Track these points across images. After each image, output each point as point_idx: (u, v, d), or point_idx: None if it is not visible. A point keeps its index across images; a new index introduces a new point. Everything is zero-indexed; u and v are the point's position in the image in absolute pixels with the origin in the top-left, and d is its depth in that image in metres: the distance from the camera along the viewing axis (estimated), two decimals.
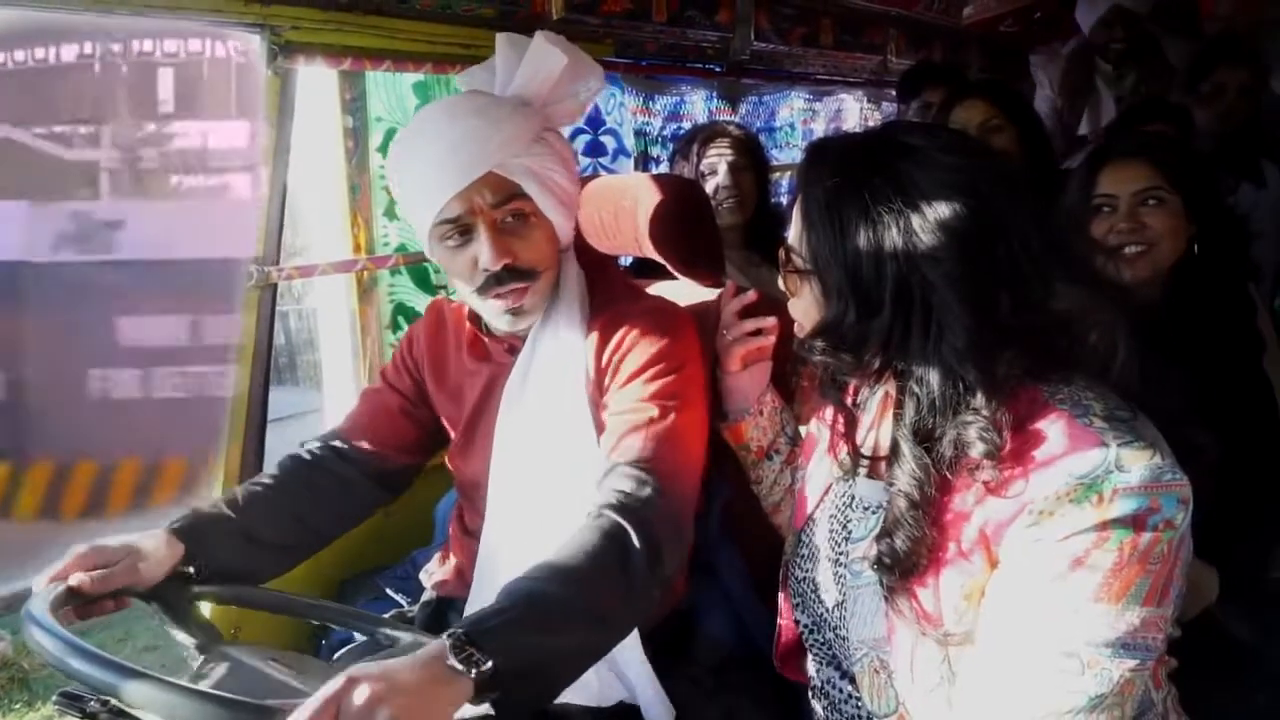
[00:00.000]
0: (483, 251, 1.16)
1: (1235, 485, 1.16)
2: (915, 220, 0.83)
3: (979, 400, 0.81)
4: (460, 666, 0.77)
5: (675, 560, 1.05)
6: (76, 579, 0.98)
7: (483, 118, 1.17)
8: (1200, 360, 1.34)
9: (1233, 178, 2.47)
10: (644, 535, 0.98)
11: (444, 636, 0.80)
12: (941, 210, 0.82)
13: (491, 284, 1.17)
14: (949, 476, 0.84)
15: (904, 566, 0.85)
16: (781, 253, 0.96)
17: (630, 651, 1.14)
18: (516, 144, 1.16)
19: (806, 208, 0.90)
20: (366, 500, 1.35)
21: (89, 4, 1.38)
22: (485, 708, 0.80)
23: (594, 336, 1.22)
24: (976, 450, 0.80)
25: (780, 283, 0.98)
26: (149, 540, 1.07)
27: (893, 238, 0.83)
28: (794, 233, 0.93)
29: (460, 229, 1.17)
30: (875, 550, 0.89)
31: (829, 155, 0.91)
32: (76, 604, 0.98)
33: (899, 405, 0.87)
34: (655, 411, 1.11)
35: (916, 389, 0.85)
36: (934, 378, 0.83)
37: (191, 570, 1.09)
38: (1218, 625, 1.22)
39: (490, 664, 0.78)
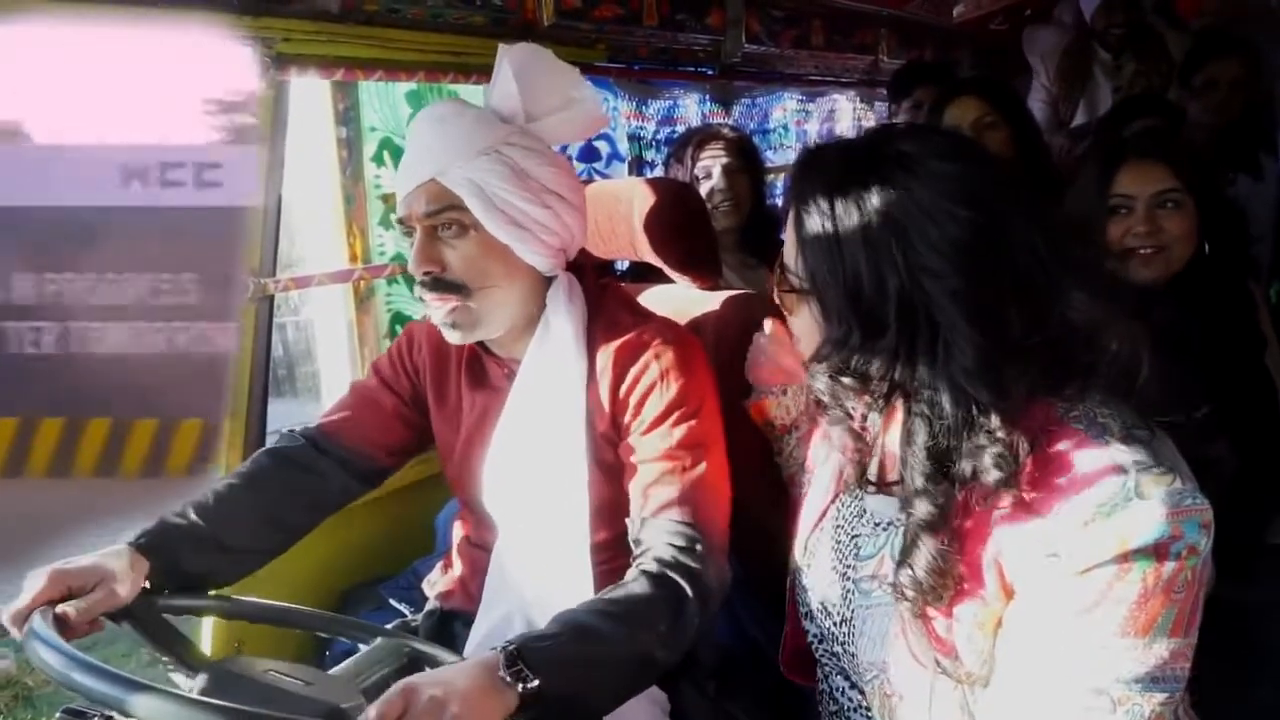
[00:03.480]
0: (411, 256, 1.17)
1: (1243, 486, 1.16)
2: (915, 236, 0.79)
3: (993, 422, 0.77)
4: (509, 680, 0.81)
5: (719, 606, 1.09)
6: (62, 611, 0.96)
7: (438, 125, 1.17)
8: (1205, 359, 1.34)
9: (1230, 171, 2.48)
10: (697, 591, 1.02)
11: (497, 649, 0.84)
12: (942, 223, 0.78)
13: (424, 288, 1.18)
14: (967, 501, 0.80)
15: (928, 597, 0.82)
16: (776, 270, 0.92)
17: None
18: (459, 154, 1.13)
19: (799, 226, 0.86)
20: (343, 496, 1.32)
21: (79, 14, 1.38)
22: None
23: (605, 366, 1.19)
24: (991, 478, 0.76)
25: (776, 299, 0.95)
26: (115, 559, 1.04)
27: (892, 255, 0.79)
28: (788, 251, 0.89)
29: (408, 230, 1.19)
30: (892, 575, 0.85)
31: (819, 168, 0.86)
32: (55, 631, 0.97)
33: (909, 428, 0.83)
34: (687, 460, 1.12)
35: (927, 411, 0.80)
36: (944, 399, 0.78)
37: (159, 586, 1.07)
38: (1220, 604, 1.21)
39: (536, 682, 0.82)
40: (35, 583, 0.99)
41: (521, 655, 0.83)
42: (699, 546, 1.06)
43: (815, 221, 0.84)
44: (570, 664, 0.87)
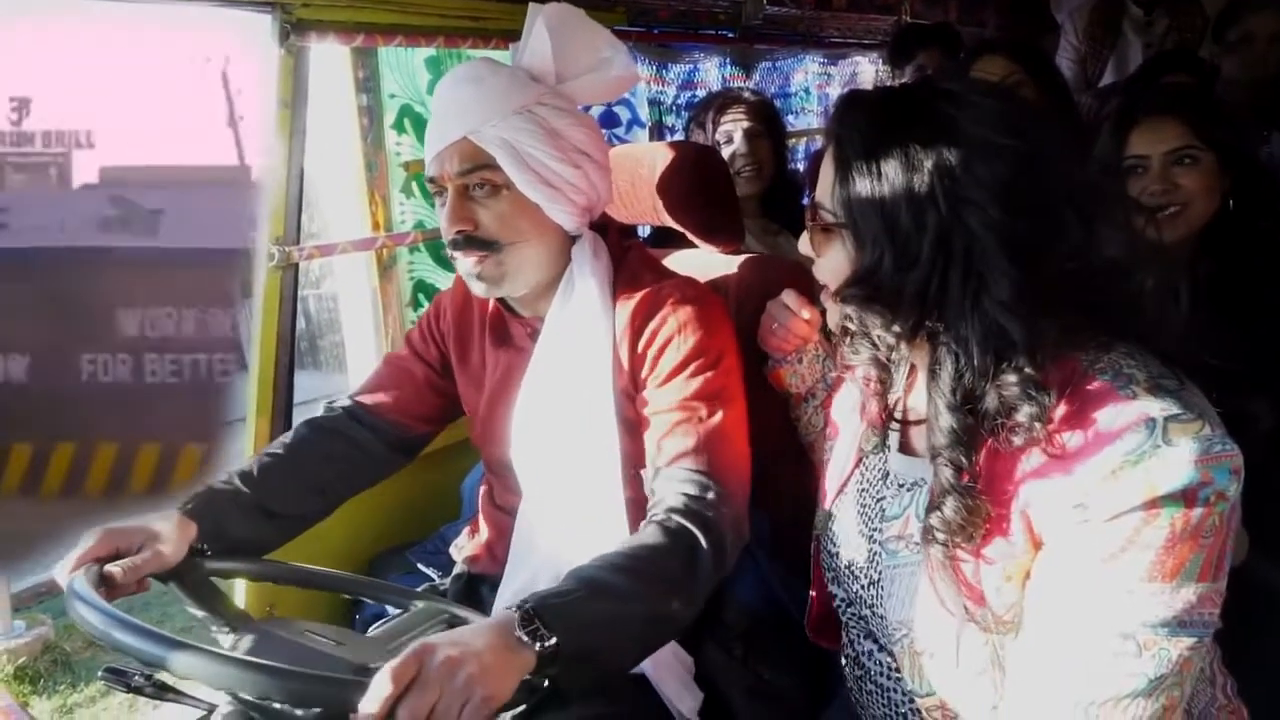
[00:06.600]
0: (443, 215, 1.18)
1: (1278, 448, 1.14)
2: (956, 164, 0.79)
3: (1022, 359, 0.77)
4: (526, 639, 0.80)
5: (735, 557, 1.07)
6: (109, 570, 0.99)
7: (469, 85, 1.17)
8: (1237, 318, 1.31)
9: (1264, 127, 2.41)
10: (711, 540, 1.00)
11: (512, 609, 0.83)
12: (985, 154, 0.79)
13: (455, 246, 1.19)
14: (993, 443, 0.80)
15: (958, 537, 0.82)
16: (808, 212, 0.92)
17: None
18: (492, 113, 1.14)
19: (841, 155, 0.85)
20: (381, 466, 1.36)
21: None
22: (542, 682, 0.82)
23: (624, 323, 1.19)
24: (1023, 413, 0.77)
25: (804, 245, 0.94)
26: (163, 522, 1.07)
27: (933, 183, 0.79)
28: (823, 186, 0.89)
29: (438, 190, 1.20)
30: (923, 524, 0.85)
31: (863, 103, 0.87)
32: (103, 589, 1.00)
33: (934, 363, 0.83)
34: (703, 410, 1.11)
35: (956, 347, 0.80)
36: (974, 334, 0.79)
37: (205, 549, 1.10)
38: (1254, 579, 1.20)
39: (554, 640, 0.81)
40: (87, 541, 1.02)
41: (538, 613, 0.82)
42: (712, 494, 1.05)
43: (855, 150, 0.83)
44: (586, 620, 0.86)
